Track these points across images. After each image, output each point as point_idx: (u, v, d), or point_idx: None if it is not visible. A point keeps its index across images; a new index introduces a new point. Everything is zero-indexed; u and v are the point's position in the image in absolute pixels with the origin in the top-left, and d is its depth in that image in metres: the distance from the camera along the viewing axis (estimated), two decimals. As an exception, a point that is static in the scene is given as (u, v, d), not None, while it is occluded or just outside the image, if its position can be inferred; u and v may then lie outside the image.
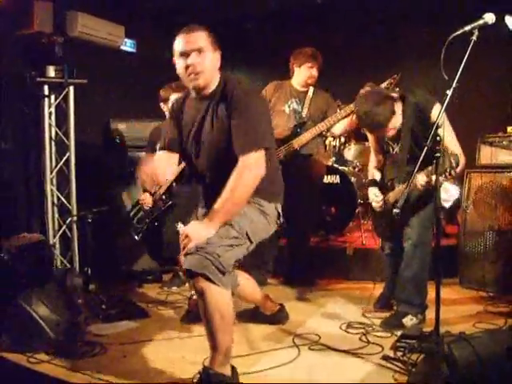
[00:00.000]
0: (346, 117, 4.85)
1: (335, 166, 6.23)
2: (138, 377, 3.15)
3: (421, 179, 3.52)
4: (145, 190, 4.95)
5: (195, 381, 2.90)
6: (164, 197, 4.73)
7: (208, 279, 2.74)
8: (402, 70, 4.72)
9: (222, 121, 2.98)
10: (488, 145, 4.89)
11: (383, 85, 4.63)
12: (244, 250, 3.01)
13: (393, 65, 5.79)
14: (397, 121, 3.84)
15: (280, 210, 3.20)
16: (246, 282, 3.72)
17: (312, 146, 5.02)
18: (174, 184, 4.65)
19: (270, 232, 3.19)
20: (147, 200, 4.87)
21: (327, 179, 5.96)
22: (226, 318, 2.83)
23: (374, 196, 4.17)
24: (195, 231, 2.86)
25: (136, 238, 4.85)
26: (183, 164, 4.34)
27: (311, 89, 5.06)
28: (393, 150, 4.07)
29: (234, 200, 2.85)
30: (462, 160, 3.47)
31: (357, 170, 6.53)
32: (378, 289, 4.45)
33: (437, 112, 3.20)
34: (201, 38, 2.97)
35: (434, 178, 3.14)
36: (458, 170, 3.25)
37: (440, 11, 6.59)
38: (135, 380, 3.10)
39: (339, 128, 5.04)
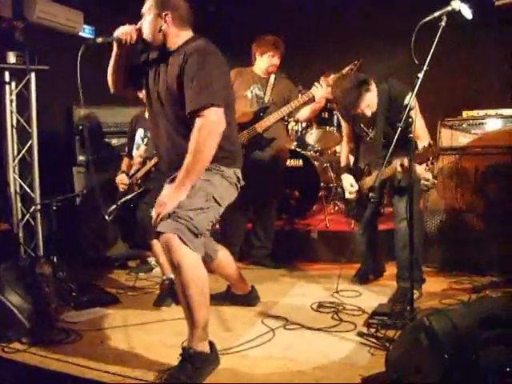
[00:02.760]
0: (307, 102, 4.91)
1: (298, 150, 6.29)
2: (117, 362, 3.15)
3: (398, 166, 3.70)
4: (122, 172, 4.93)
5: (177, 363, 2.91)
6: (140, 181, 4.71)
7: (182, 241, 2.79)
8: (367, 54, 4.83)
9: (174, 76, 3.01)
10: (448, 128, 5.03)
11: (345, 70, 4.73)
12: (215, 213, 3.06)
13: (358, 50, 5.87)
14: (373, 100, 3.96)
15: (239, 175, 3.24)
16: (224, 255, 3.79)
17: (275, 129, 5.06)
18: (153, 169, 4.64)
19: (233, 195, 3.23)
20: (123, 181, 4.85)
21: (290, 163, 6.04)
22: (202, 288, 2.88)
23: (350, 186, 4.30)
24: (168, 198, 2.91)
25: (107, 218, 4.81)
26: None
27: (273, 75, 5.11)
28: (367, 135, 4.18)
29: (198, 159, 2.89)
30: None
31: (318, 154, 6.61)
32: (344, 269, 4.53)
33: (415, 104, 3.37)
34: (148, 2, 3.11)
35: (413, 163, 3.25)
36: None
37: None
38: (114, 365, 3.09)
39: (303, 114, 5.11)
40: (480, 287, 4.25)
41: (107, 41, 3.11)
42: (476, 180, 4.72)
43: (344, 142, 4.61)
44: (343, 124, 4.56)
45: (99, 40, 3.11)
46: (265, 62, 5.02)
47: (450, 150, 4.94)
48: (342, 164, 4.54)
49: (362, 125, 4.23)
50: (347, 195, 4.35)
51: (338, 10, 7.52)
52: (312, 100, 4.87)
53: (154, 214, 2.97)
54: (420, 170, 3.61)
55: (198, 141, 2.86)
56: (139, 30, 3.12)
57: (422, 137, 3.78)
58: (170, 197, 2.91)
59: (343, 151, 4.59)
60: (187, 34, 3.14)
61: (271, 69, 5.05)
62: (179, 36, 3.11)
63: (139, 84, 3.34)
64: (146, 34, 3.10)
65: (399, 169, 3.75)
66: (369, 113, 3.99)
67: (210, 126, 2.88)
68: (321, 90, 4.77)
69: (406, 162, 3.56)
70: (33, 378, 3.13)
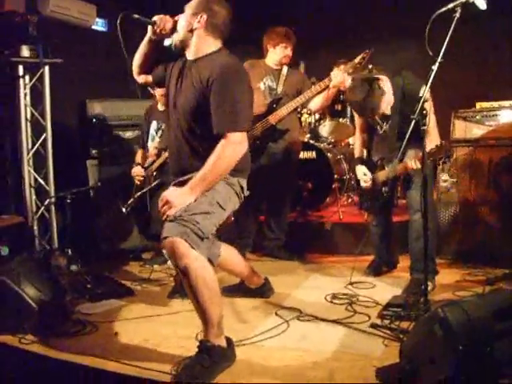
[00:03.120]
0: (320, 92, 4.91)
1: (311, 142, 6.28)
2: (133, 353, 3.18)
3: (414, 164, 3.72)
4: (137, 164, 4.96)
5: (193, 354, 2.93)
6: (155, 173, 4.73)
7: (188, 245, 2.79)
8: (377, 46, 4.80)
9: (195, 91, 3.02)
10: (461, 119, 5.01)
11: (357, 59, 4.73)
12: (220, 218, 3.07)
13: (367, 42, 5.86)
14: (389, 98, 3.98)
15: (244, 185, 3.24)
16: (230, 253, 3.79)
17: (288, 121, 5.06)
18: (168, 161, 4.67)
19: (236, 203, 3.24)
20: (139, 173, 4.87)
21: (303, 155, 6.03)
22: (212, 288, 2.89)
23: (363, 175, 4.33)
24: (176, 198, 2.93)
25: (124, 211, 4.85)
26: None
27: (285, 67, 5.10)
28: (381, 128, 4.18)
29: (216, 172, 2.94)
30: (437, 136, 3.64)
31: (331, 146, 6.60)
32: (358, 261, 4.54)
33: (429, 96, 3.38)
34: (192, 1, 3.12)
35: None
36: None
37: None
38: (130, 356, 3.12)
39: (316, 104, 5.08)
40: (493, 279, 4.22)
41: (142, 20, 3.09)
42: (490, 172, 4.70)
43: (357, 134, 4.62)
44: (356, 117, 4.57)
45: (136, 16, 3.07)
46: (278, 53, 5.01)
47: (463, 141, 4.91)
48: (356, 155, 4.54)
49: (376, 117, 4.21)
50: (362, 184, 4.35)
51: (350, 4, 7.51)
52: (325, 89, 4.86)
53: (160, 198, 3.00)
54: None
55: (219, 156, 2.91)
56: (175, 22, 3.11)
57: (432, 134, 3.76)
58: (178, 197, 2.93)
59: (356, 143, 4.59)
60: (215, 43, 3.11)
61: (285, 60, 5.05)
62: (206, 42, 3.08)
63: (159, 82, 3.35)
64: (179, 27, 3.09)
65: (413, 166, 3.75)
66: (388, 110, 4.02)
67: (232, 147, 2.93)
68: (340, 76, 4.75)
69: (419, 156, 3.56)
70: (48, 368, 3.16)
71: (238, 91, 2.98)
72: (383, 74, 4.06)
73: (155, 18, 3.08)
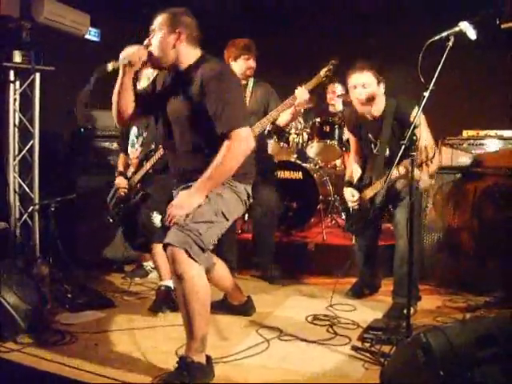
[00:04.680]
0: (287, 107, 4.78)
1: (298, 162, 6.30)
2: (111, 365, 3.16)
3: (399, 169, 3.76)
4: (120, 174, 4.93)
5: (173, 370, 2.92)
6: (139, 184, 4.71)
7: (188, 255, 2.82)
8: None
9: (189, 98, 3.04)
10: (448, 147, 5.06)
11: (321, 73, 4.67)
12: (222, 228, 3.10)
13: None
14: (380, 100, 4.11)
15: (250, 192, 3.28)
16: (220, 266, 3.81)
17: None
18: (151, 171, 4.65)
19: (241, 211, 3.29)
20: (122, 184, 4.85)
21: (290, 175, 6.05)
22: (203, 301, 2.91)
23: (351, 196, 4.35)
24: (185, 200, 2.96)
25: (110, 221, 4.83)
26: (162, 151, 4.36)
27: (251, 80, 4.99)
28: (375, 147, 4.23)
29: (222, 170, 2.97)
30: (437, 154, 3.62)
31: (318, 166, 6.64)
32: (340, 283, 4.54)
33: (422, 122, 3.44)
34: (158, 19, 3.12)
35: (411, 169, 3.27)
36: (434, 163, 3.41)
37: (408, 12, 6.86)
38: (108, 368, 3.10)
39: (283, 120, 4.97)
40: (474, 306, 4.26)
41: (117, 66, 3.08)
42: (474, 200, 4.74)
43: (351, 158, 4.66)
44: (351, 139, 4.61)
45: (109, 68, 3.08)
46: (240, 65, 4.83)
47: (449, 169, 4.96)
48: (346, 178, 4.57)
49: (369, 135, 4.25)
50: (350, 205, 4.37)
51: (341, 27, 7.62)
52: (292, 104, 4.75)
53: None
54: (416, 173, 3.64)
55: (225, 153, 2.93)
56: (147, 47, 3.10)
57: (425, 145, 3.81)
58: (186, 199, 2.96)
59: (349, 167, 4.63)
60: (196, 52, 3.16)
61: (249, 72, 4.89)
62: (190, 54, 3.13)
63: (148, 108, 3.35)
64: (158, 51, 3.08)
65: (396, 174, 3.77)
66: (374, 112, 4.13)
67: (238, 144, 2.95)
68: (305, 94, 4.65)
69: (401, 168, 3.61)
70: (26, 378, 3.13)
71: (233, 91, 3.05)
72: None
73: (125, 56, 3.05)
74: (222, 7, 7.62)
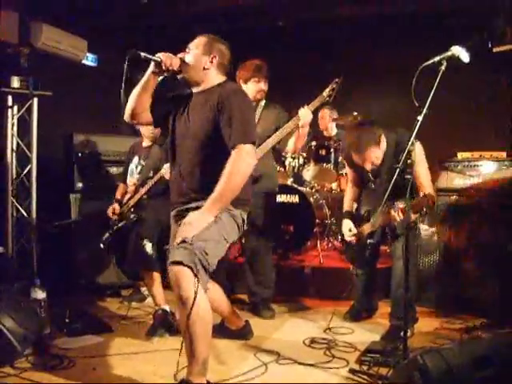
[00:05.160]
0: (290, 132, 4.63)
1: (294, 185, 6.33)
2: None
3: (397, 215, 3.74)
4: (116, 201, 4.96)
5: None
6: (132, 209, 4.73)
7: (193, 274, 2.82)
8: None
9: (207, 114, 3.14)
10: (444, 169, 5.10)
11: (325, 93, 4.57)
12: (223, 250, 3.12)
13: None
14: (379, 156, 4.08)
15: (245, 218, 3.30)
16: (216, 291, 3.81)
17: (262, 166, 4.45)
18: (145, 196, 4.68)
19: (236, 236, 3.29)
20: (114, 211, 4.87)
21: (286, 198, 6.07)
22: (206, 325, 2.92)
23: (348, 230, 4.36)
24: (195, 220, 2.96)
25: (101, 246, 4.84)
26: (158, 177, 4.39)
27: (262, 102, 4.82)
28: (373, 184, 4.25)
29: (230, 187, 3.00)
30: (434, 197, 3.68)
31: (314, 190, 6.67)
32: (337, 306, 4.56)
33: (417, 150, 3.49)
34: (197, 40, 3.30)
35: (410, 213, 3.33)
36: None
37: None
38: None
39: (290, 146, 4.77)
40: (472, 328, 4.27)
41: (149, 58, 3.11)
42: (470, 222, 4.77)
43: (348, 187, 4.68)
44: (348, 169, 4.65)
45: (142, 54, 3.09)
46: (250, 88, 4.64)
47: (445, 191, 5.00)
48: (345, 208, 4.57)
49: (369, 173, 4.27)
50: (347, 238, 4.39)
51: (335, 49, 7.72)
52: (297, 127, 4.58)
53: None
54: (414, 217, 3.70)
55: (232, 169, 2.98)
56: (181, 60, 3.20)
57: (424, 186, 3.87)
58: (196, 219, 2.97)
59: (347, 196, 4.63)
60: (221, 78, 3.31)
61: (259, 95, 4.71)
62: (215, 79, 3.28)
63: (160, 119, 3.42)
64: (190, 66, 3.22)
65: (396, 217, 3.78)
66: (368, 167, 4.10)
67: (243, 159, 3.01)
68: (308, 114, 4.51)
69: (402, 208, 3.63)
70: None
71: (245, 110, 3.15)
72: (372, 125, 4.14)
73: (160, 56, 3.13)
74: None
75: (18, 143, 5.29)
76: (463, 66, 3.38)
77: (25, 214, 5.28)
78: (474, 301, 4.62)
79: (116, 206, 4.92)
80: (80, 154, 5.69)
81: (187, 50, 3.26)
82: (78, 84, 6.13)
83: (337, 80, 4.56)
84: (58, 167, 5.87)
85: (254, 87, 4.67)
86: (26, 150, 5.28)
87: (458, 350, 2.60)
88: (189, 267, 2.82)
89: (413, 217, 3.64)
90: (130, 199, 4.81)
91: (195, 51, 3.24)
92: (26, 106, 5.26)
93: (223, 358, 3.72)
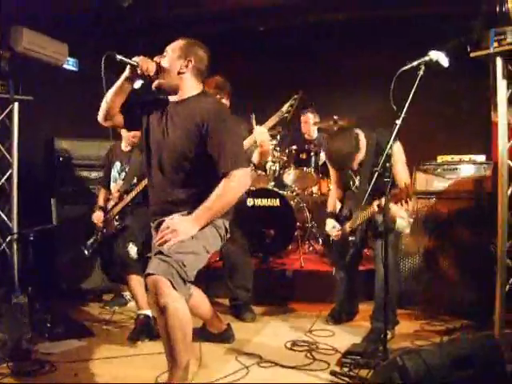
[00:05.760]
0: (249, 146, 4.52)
1: (275, 189, 6.36)
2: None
3: (377, 206, 3.82)
4: (100, 208, 4.95)
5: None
6: (117, 217, 4.74)
7: (171, 285, 2.82)
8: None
9: (190, 130, 3.10)
10: (423, 172, 5.16)
11: (284, 108, 4.58)
12: (204, 261, 3.13)
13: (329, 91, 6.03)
14: (361, 158, 4.18)
15: (227, 227, 3.31)
16: (198, 295, 3.81)
17: None
18: (130, 204, 4.68)
19: (218, 245, 3.31)
20: (99, 218, 4.87)
21: (267, 202, 6.10)
22: (186, 332, 2.92)
23: (332, 227, 4.42)
24: (183, 226, 2.97)
25: (86, 253, 4.84)
26: (142, 184, 4.38)
27: None
28: (353, 184, 4.31)
29: (222, 205, 3.04)
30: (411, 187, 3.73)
31: (295, 193, 6.70)
32: (319, 309, 4.59)
33: (396, 149, 3.52)
34: (175, 43, 3.23)
35: (389, 204, 3.37)
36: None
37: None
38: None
39: (255, 158, 4.69)
40: (452, 329, 4.33)
41: (125, 61, 3.08)
42: (449, 224, 4.83)
43: (332, 189, 4.77)
44: (331, 172, 4.72)
45: (119, 57, 3.06)
46: None
47: (424, 193, 5.05)
48: (328, 209, 4.65)
49: (350, 172, 4.35)
50: (332, 236, 4.43)
51: (314, 54, 7.78)
52: (255, 144, 4.51)
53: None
54: (395, 209, 3.73)
55: (224, 191, 3.01)
56: (158, 64, 3.15)
57: (402, 180, 3.91)
58: (183, 225, 2.98)
59: (331, 197, 4.73)
60: (198, 86, 3.25)
61: None
62: (191, 86, 3.22)
63: (134, 122, 3.38)
64: (165, 71, 3.16)
65: (376, 209, 3.84)
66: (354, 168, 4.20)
67: (237, 182, 3.03)
68: (264, 133, 4.48)
69: (382, 202, 3.67)
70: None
71: (235, 132, 3.16)
72: (352, 127, 4.20)
73: (137, 60, 3.09)
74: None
75: (-3, 148, 5.25)
76: (443, 70, 3.43)
77: (6, 220, 5.24)
78: (454, 302, 4.68)
79: (100, 214, 4.90)
80: (61, 159, 5.67)
81: (164, 54, 3.21)
82: (58, 88, 6.10)
83: (295, 96, 4.61)
84: (39, 172, 5.85)
85: None
86: (7, 155, 5.24)
87: (436, 350, 2.65)
88: (166, 278, 2.82)
89: (394, 208, 3.67)
90: (114, 206, 4.80)
91: (171, 55, 3.18)
92: (7, 110, 5.22)
93: (205, 361, 3.73)
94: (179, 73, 3.17)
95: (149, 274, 2.87)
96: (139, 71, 3.09)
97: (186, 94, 3.21)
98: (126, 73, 3.15)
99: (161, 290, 2.82)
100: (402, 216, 3.92)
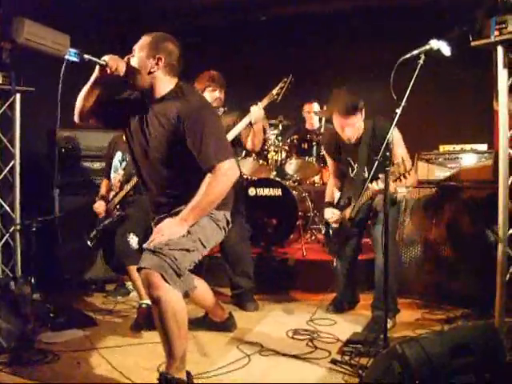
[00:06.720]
0: (246, 126, 4.70)
1: (277, 179, 6.37)
2: (95, 383, 3.20)
3: (376, 185, 3.82)
4: (101, 198, 4.97)
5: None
6: (118, 206, 4.76)
7: (163, 279, 2.83)
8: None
9: (169, 127, 3.04)
10: (424, 161, 5.17)
11: (274, 91, 4.67)
12: (199, 255, 3.11)
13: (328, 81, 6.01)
14: (360, 130, 4.21)
15: (229, 218, 3.31)
16: (201, 286, 3.82)
17: None
18: (131, 193, 4.69)
19: (220, 238, 3.31)
20: (100, 208, 4.89)
21: (269, 192, 6.11)
22: (181, 323, 2.91)
23: (331, 214, 4.45)
24: (169, 227, 2.97)
25: (89, 245, 4.87)
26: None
27: (220, 111, 4.90)
28: (352, 170, 4.31)
29: (209, 200, 3.00)
30: (413, 170, 3.73)
31: (297, 183, 6.72)
32: (320, 298, 4.60)
33: (395, 135, 3.51)
34: (141, 41, 3.10)
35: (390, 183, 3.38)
36: (412, 176, 3.52)
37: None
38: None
39: (249, 143, 4.85)
40: (452, 318, 4.35)
41: (93, 60, 2.99)
42: (450, 213, 4.84)
43: (330, 179, 4.79)
44: (329, 161, 4.73)
45: (86, 56, 2.99)
46: (207, 97, 4.65)
47: (426, 183, 5.06)
48: (326, 199, 4.66)
49: (348, 158, 4.36)
50: (331, 222, 4.45)
51: (316, 44, 7.75)
52: (250, 124, 4.68)
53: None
54: (392, 187, 3.74)
55: (210, 187, 2.97)
56: (128, 63, 3.05)
57: (399, 155, 3.89)
58: (169, 227, 2.98)
59: (329, 187, 4.75)
60: (172, 81, 3.13)
61: (215, 103, 4.79)
62: (166, 82, 3.10)
63: (110, 121, 3.34)
64: (134, 72, 3.05)
65: (376, 188, 3.85)
66: (346, 137, 4.20)
67: (222, 176, 2.99)
68: (258, 111, 4.62)
69: (379, 182, 3.70)
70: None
71: (213, 125, 3.06)
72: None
73: (106, 59, 2.97)
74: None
75: (0, 139, 5.26)
76: (445, 59, 3.43)
77: (8, 210, 5.25)
78: (455, 291, 4.69)
79: (102, 203, 4.93)
80: (63, 150, 5.69)
81: (132, 53, 3.09)
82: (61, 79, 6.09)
83: (285, 79, 4.67)
84: (41, 163, 5.86)
85: (209, 96, 4.77)
86: (9, 146, 5.25)
87: (436, 338, 2.65)
88: (157, 272, 2.83)
89: (392, 186, 3.67)
90: (115, 196, 4.83)
91: (139, 54, 3.05)
92: (9, 101, 5.22)
93: (206, 350, 3.76)
94: (150, 72, 3.05)
95: (141, 268, 2.88)
96: (108, 71, 2.98)
97: (161, 92, 3.10)
98: (96, 73, 3.06)
99: (153, 282, 2.82)
100: (399, 190, 3.94)
